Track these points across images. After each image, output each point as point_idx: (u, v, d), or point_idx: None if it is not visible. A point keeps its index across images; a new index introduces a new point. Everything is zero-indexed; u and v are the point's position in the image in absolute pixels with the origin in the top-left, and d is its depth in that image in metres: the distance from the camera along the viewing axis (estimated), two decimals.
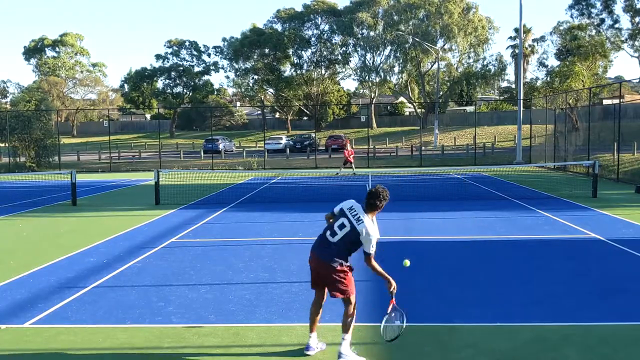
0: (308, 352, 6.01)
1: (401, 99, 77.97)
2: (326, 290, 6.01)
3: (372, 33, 65.66)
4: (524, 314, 7.18)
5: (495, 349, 6.11)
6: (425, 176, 28.08)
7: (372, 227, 5.76)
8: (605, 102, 46.62)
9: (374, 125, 69.11)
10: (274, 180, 27.50)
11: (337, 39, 69.60)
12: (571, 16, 44.89)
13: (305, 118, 78.81)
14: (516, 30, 60.65)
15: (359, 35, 67.07)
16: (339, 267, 5.79)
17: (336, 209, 6.02)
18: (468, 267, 9.53)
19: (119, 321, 7.17)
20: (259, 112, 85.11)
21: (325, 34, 70.12)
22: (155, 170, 19.15)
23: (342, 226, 5.81)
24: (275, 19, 71.90)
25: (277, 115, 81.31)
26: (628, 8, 43.26)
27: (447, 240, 11.79)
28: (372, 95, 72.40)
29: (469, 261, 10.04)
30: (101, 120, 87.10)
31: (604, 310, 7.35)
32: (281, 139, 54.40)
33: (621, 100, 27.71)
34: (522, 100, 37.48)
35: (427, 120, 66.21)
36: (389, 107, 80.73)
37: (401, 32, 62.82)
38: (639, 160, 28.73)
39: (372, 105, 70.31)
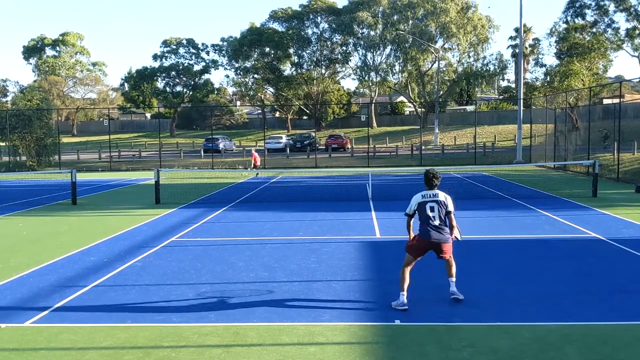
0: (405, 307, 7.38)
1: (401, 98, 77.93)
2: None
3: (372, 32, 65.61)
4: (524, 314, 7.19)
5: (495, 349, 6.11)
6: None
7: (444, 193, 7.74)
8: (605, 101, 46.58)
9: (374, 124, 69.07)
10: (274, 180, 27.49)
11: (337, 38, 69.57)
12: (566, 19, 44.73)
13: (305, 117, 78.75)
14: (516, 30, 60.63)
15: (359, 35, 67.02)
16: (450, 242, 7.68)
17: (412, 207, 7.75)
18: (468, 267, 9.52)
19: (120, 320, 7.18)
20: (259, 111, 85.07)
21: (326, 33, 70.09)
22: (156, 170, 19.15)
23: (432, 209, 7.61)
24: (274, 19, 71.86)
25: (277, 114, 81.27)
26: (621, 6, 43.12)
27: None
28: (372, 94, 72.37)
29: (468, 261, 10.02)
30: (101, 119, 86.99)
31: (604, 309, 7.35)
32: (281, 138, 54.33)
33: (621, 99, 27.69)
34: (522, 100, 37.47)
35: (427, 119, 66.16)
36: (389, 107, 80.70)
37: (401, 32, 62.77)
38: (639, 159, 28.72)
39: (372, 105, 70.27)
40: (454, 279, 7.79)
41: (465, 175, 27.71)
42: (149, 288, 8.62)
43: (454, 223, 7.70)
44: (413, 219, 7.84)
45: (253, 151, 33.34)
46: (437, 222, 7.58)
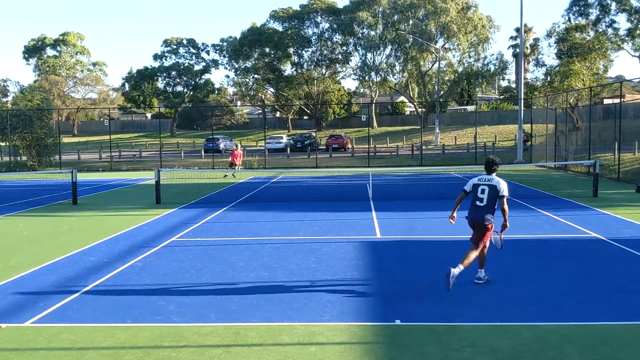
0: (450, 274, 7.88)
1: (402, 98, 77.91)
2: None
3: (372, 32, 65.59)
4: (524, 314, 7.19)
5: (495, 349, 6.11)
6: (426, 175, 28.07)
7: (500, 179, 8.42)
8: (605, 101, 46.54)
9: (375, 124, 69.06)
10: (274, 180, 27.50)
11: (337, 38, 69.56)
12: (569, 19, 44.69)
13: (305, 117, 78.76)
14: (517, 30, 60.61)
15: (359, 35, 67.00)
16: (486, 223, 8.35)
17: (467, 187, 8.61)
18: (468, 267, 9.51)
19: (120, 320, 7.18)
20: (260, 111, 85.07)
21: (326, 33, 70.08)
22: (156, 170, 19.16)
23: (483, 191, 8.38)
24: (274, 19, 71.87)
25: (277, 114, 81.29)
26: (622, 7, 43.11)
27: (448, 240, 11.77)
28: (373, 94, 72.37)
29: None
30: (102, 119, 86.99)
31: (604, 309, 7.35)
32: (282, 138, 54.31)
33: (622, 99, 27.68)
34: (522, 100, 37.47)
35: (427, 119, 66.15)
36: (389, 107, 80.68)
37: (402, 32, 62.75)
38: (639, 159, 28.71)
39: (373, 105, 70.26)
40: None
41: (466, 175, 27.68)
42: (149, 288, 8.62)
43: (505, 207, 8.36)
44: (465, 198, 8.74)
45: (239, 150, 32.80)
46: (483, 204, 8.33)
